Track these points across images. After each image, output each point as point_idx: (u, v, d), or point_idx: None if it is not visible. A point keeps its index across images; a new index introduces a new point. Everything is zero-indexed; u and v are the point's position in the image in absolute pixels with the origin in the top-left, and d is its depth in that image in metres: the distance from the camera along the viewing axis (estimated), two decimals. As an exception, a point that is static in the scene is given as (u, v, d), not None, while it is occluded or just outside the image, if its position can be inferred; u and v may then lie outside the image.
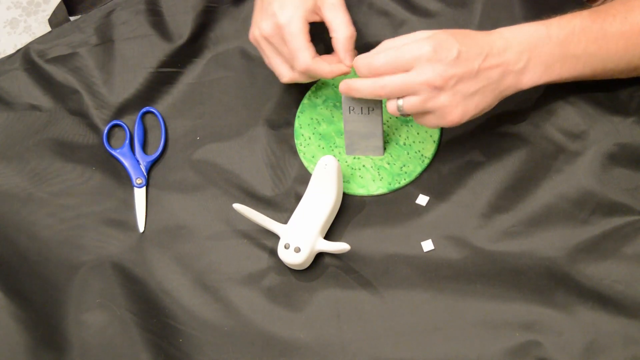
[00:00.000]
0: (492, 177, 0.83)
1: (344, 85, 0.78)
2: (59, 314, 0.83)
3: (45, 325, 0.82)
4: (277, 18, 0.80)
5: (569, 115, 0.84)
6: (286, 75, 0.83)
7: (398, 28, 0.92)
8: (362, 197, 0.85)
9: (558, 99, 0.84)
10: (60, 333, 0.81)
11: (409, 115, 0.76)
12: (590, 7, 0.82)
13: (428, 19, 0.91)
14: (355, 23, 0.84)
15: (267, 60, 0.85)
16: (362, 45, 0.92)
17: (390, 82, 0.74)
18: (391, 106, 0.76)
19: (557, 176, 0.82)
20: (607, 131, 0.82)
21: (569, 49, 0.76)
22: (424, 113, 0.75)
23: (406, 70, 0.73)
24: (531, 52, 0.75)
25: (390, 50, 0.74)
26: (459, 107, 0.74)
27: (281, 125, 0.91)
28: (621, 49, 0.76)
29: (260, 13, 0.82)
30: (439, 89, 0.73)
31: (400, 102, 0.75)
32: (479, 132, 0.86)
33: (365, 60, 0.75)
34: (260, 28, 0.81)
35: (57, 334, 0.81)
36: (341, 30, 0.81)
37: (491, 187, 0.83)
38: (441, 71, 0.72)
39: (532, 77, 0.76)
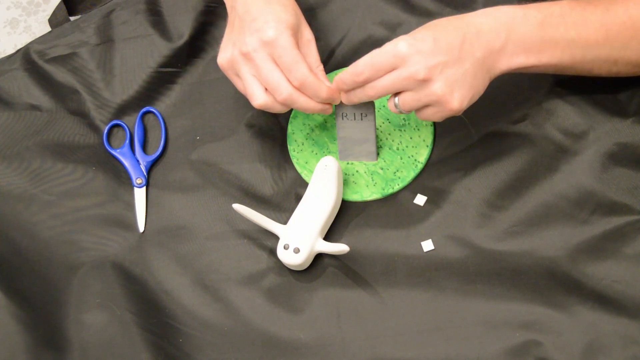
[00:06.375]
0: (492, 177, 0.83)
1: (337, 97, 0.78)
2: (59, 314, 0.83)
3: (45, 325, 0.82)
4: (264, 33, 0.76)
5: (569, 115, 0.84)
6: (260, 97, 0.78)
7: (396, 28, 0.92)
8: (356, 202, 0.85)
9: (558, 99, 0.84)
10: (60, 333, 0.81)
11: (409, 112, 0.76)
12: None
13: (427, 19, 0.90)
14: (352, 25, 0.83)
15: (240, 83, 0.80)
16: (359, 46, 0.92)
17: (378, 81, 0.74)
18: (390, 105, 0.76)
19: (557, 176, 0.82)
20: (607, 131, 0.82)
21: (547, 31, 0.75)
22: (424, 107, 0.75)
23: (389, 70, 0.73)
24: (509, 31, 0.74)
25: (368, 55, 0.74)
26: (455, 92, 0.73)
27: (281, 125, 0.90)
28: (601, 38, 0.75)
29: (241, 32, 0.78)
30: (427, 80, 0.72)
31: (397, 100, 0.75)
32: (479, 131, 0.86)
33: (347, 70, 0.75)
34: (242, 45, 0.77)
35: (57, 334, 0.81)
36: (319, 65, 0.80)
37: (491, 187, 0.83)
38: (423, 62, 0.72)
39: (511, 56, 0.75)
